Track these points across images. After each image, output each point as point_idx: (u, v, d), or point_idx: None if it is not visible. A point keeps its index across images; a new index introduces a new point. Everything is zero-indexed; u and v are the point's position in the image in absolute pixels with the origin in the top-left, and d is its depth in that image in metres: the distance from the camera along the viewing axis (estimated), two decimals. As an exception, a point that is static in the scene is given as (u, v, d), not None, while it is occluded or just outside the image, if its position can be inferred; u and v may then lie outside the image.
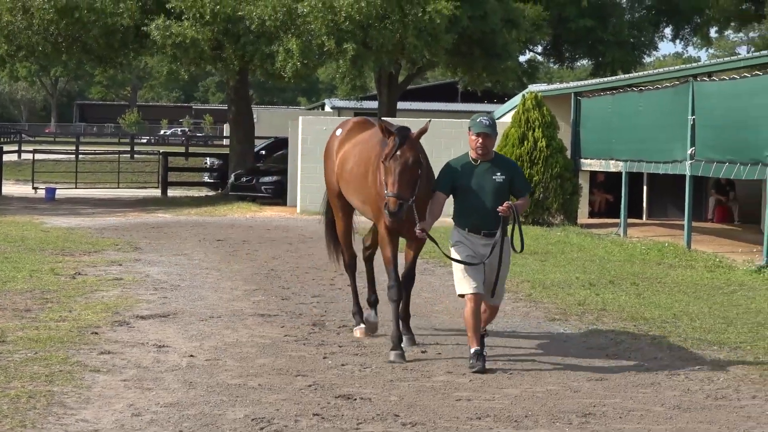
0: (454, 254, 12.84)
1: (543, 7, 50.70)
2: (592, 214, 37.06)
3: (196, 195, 47.51)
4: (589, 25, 57.88)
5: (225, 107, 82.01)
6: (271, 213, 38.17)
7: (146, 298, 17.46)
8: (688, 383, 12.34)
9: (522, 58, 55.57)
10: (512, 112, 35.43)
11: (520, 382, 12.25)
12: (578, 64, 67.35)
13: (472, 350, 12.65)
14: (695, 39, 75.96)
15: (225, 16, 38.83)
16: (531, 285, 19.95)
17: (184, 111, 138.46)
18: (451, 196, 13.08)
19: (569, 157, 33.95)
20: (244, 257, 24.11)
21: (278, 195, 41.15)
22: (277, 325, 15.38)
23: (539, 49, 61.58)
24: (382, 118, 14.80)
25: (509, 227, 13.06)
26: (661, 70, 38.57)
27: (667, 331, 15.38)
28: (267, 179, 42.32)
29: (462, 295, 12.81)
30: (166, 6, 39.25)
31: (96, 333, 14.27)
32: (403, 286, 13.71)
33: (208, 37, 39.01)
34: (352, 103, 63.26)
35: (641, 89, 31.42)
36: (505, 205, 12.55)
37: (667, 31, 69.14)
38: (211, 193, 48.22)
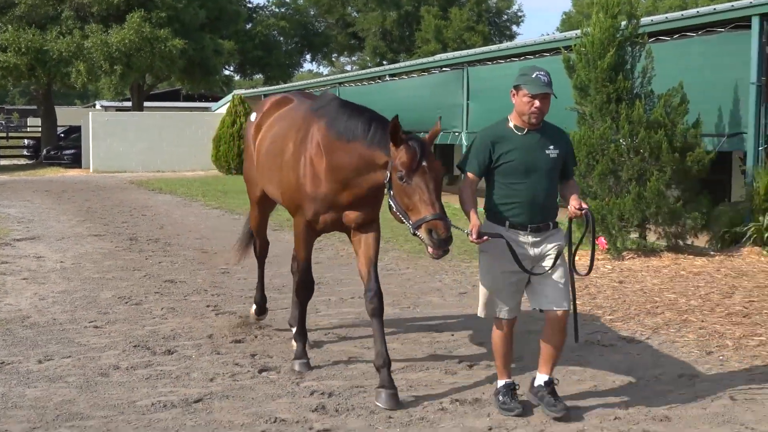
0: (482, 266, 5.91)
1: (234, 42, 50.12)
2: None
3: (21, 163, 44.68)
4: (260, 54, 57.97)
5: (28, 107, 77.85)
6: (73, 173, 36.23)
7: (15, 228, 16.50)
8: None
9: (223, 74, 54.67)
10: (225, 106, 35.08)
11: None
12: (256, 77, 66.76)
13: (501, 383, 6.03)
14: (324, 61, 76.83)
15: (35, 49, 37.32)
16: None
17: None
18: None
19: (261, 133, 33.85)
20: (67, 201, 22.97)
21: (75, 161, 39.21)
22: (107, 241, 14.85)
23: (232, 68, 60.71)
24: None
25: (577, 238, 6.21)
26: (317, 80, 38.69)
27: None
28: (67, 151, 40.22)
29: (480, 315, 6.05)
30: (-5, 42, 37.56)
31: (-7, 251, 13.49)
32: (372, 311, 6.32)
33: (25, 63, 37.53)
34: (115, 103, 60.78)
35: (310, 92, 31.58)
36: (576, 204, 5.72)
37: (308, 56, 69.79)
38: (31, 162, 45.60)
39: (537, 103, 5.67)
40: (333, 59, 78.57)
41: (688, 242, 12.56)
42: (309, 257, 6.96)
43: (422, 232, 5.59)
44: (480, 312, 5.99)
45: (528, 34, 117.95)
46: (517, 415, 5.87)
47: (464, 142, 19.83)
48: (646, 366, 7.08)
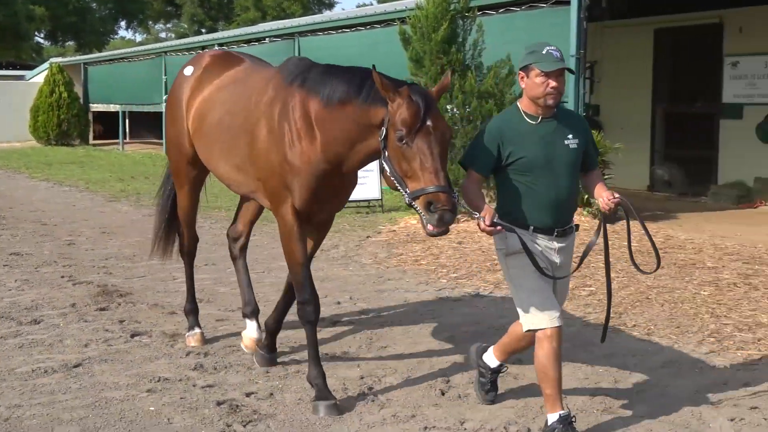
0: (515, 268, 4.87)
1: (45, 8, 48.37)
2: (94, 138, 35.89)
3: None
4: (74, 20, 56.14)
5: None
6: None
7: None
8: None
9: (34, 40, 52.66)
10: (42, 74, 33.80)
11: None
12: (68, 44, 64.37)
13: (554, 417, 4.81)
14: (139, 29, 74.92)
15: None
16: (84, 181, 19.54)
17: None
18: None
19: (82, 103, 32.91)
20: None
21: None
22: (-64, 215, 14.36)
23: (43, 34, 58.46)
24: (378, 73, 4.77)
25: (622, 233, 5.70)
26: (140, 48, 37.63)
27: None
28: None
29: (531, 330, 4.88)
30: None
31: None
32: (290, 290, 6.13)
33: None
34: None
35: (130, 60, 30.97)
36: (609, 195, 4.81)
37: (123, 23, 68.10)
38: None
39: (552, 82, 4.75)
40: (149, 26, 76.78)
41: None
42: (307, 260, 5.63)
43: (420, 205, 4.60)
44: (532, 325, 4.84)
45: (346, 4, 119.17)
46: None
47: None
48: (493, 317, 7.76)
